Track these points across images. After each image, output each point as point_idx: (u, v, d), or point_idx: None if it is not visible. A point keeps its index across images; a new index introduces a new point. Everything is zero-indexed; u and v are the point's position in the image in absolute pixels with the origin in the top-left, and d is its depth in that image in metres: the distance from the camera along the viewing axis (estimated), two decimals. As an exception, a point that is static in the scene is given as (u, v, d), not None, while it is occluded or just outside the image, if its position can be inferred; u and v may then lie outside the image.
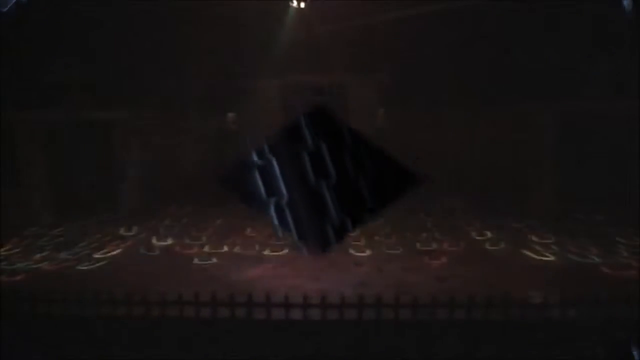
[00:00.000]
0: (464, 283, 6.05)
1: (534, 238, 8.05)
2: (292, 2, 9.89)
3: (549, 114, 9.46)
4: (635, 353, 4.14)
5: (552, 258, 7.21)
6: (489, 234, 8.34)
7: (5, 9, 6.22)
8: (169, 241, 8.20)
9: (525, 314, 4.75)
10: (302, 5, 9.88)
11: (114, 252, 7.69)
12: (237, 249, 7.74)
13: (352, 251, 7.45)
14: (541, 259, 7.20)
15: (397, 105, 10.48)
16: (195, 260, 7.23)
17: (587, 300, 4.74)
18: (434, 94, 10.19)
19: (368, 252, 7.46)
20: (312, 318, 4.86)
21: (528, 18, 9.26)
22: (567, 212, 9.00)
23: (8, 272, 6.78)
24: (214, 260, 7.24)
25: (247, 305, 4.87)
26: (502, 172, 9.73)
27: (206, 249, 7.78)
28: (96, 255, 7.49)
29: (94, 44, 9.54)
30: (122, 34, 9.59)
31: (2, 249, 7.82)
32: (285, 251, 7.53)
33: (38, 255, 7.48)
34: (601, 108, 8.87)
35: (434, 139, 10.23)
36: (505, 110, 9.74)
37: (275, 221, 2.88)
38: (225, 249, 7.75)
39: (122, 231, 8.76)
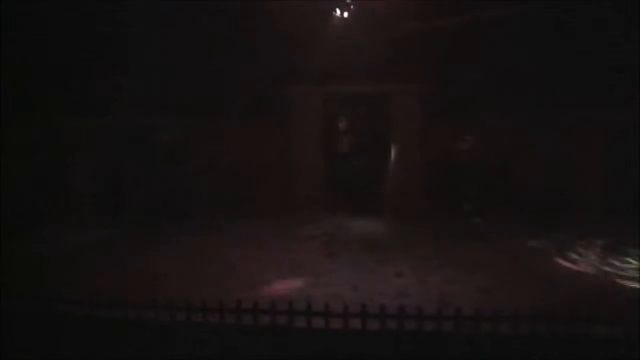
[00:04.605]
0: (507, 295, 5.90)
1: (578, 250, 7.84)
2: (336, 12, 9.92)
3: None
4: None
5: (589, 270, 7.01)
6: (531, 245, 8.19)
7: None
8: (212, 247, 8.31)
9: (571, 329, 4.57)
10: (346, 14, 9.90)
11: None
12: (277, 256, 7.74)
13: (392, 262, 7.39)
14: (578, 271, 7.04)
15: (439, 114, 10.39)
16: (238, 268, 7.29)
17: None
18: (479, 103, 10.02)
19: (409, 263, 7.37)
20: (352, 327, 4.81)
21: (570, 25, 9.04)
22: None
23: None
24: (255, 267, 7.28)
25: (289, 314, 4.86)
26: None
27: (250, 256, 7.81)
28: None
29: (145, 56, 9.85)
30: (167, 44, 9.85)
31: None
32: (325, 259, 7.53)
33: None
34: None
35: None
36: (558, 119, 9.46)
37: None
38: (266, 256, 7.78)
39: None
